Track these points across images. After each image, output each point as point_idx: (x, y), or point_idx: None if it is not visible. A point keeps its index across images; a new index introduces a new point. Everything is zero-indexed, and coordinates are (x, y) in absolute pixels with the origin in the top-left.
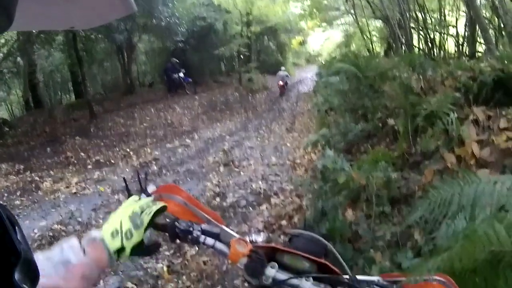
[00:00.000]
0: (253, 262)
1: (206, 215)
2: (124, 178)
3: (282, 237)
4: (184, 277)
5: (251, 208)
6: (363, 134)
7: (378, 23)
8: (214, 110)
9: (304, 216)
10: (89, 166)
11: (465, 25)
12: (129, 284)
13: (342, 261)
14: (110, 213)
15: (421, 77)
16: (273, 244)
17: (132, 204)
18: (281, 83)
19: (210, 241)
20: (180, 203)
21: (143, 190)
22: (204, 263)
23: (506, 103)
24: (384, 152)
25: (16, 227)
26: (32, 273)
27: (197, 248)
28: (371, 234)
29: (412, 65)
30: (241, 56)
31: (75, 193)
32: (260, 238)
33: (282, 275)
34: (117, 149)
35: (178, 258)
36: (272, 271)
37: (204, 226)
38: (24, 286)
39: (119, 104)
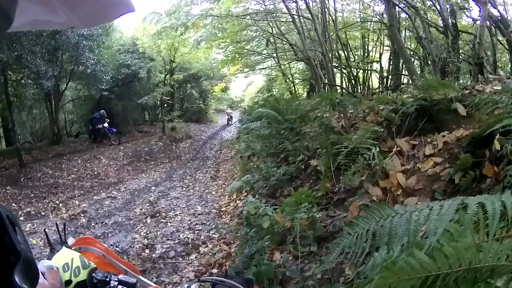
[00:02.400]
0: None
1: (123, 266)
2: (45, 230)
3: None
4: None
5: (180, 258)
6: (285, 178)
7: (301, 65)
8: (139, 161)
9: (234, 262)
10: (21, 218)
11: (389, 59)
12: None
13: None
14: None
15: (341, 115)
16: None
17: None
18: (227, 117)
19: None
20: (98, 255)
21: (63, 242)
22: None
23: (430, 130)
24: (307, 193)
25: (16, 228)
26: (32, 273)
27: None
28: (300, 275)
29: (332, 104)
30: (165, 105)
31: None
32: (194, 287)
33: None
34: (47, 200)
35: None
36: None
37: (121, 276)
38: (24, 286)
39: (47, 153)
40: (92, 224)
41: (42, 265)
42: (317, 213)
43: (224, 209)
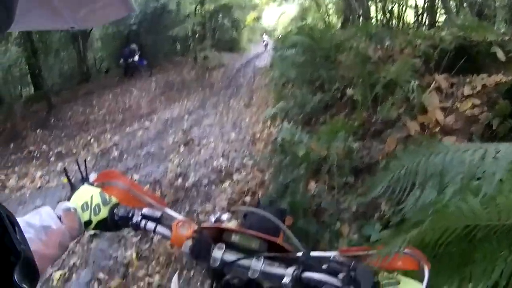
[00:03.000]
0: (197, 244)
1: (149, 199)
2: (64, 169)
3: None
4: (153, 262)
5: (213, 186)
6: (321, 106)
7: None
8: (171, 91)
9: (268, 190)
10: (52, 159)
11: None
12: (101, 275)
13: (295, 238)
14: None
15: (378, 46)
16: (219, 224)
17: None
18: (264, 43)
19: (151, 225)
20: (123, 189)
21: (84, 179)
22: (172, 246)
23: (469, 71)
24: (343, 122)
25: (16, 227)
26: (32, 272)
27: None
28: (335, 207)
29: (368, 35)
30: (196, 35)
31: (39, 187)
32: (225, 216)
33: (231, 256)
34: (78, 138)
35: (146, 244)
36: (219, 253)
37: (146, 210)
38: (24, 286)
39: (77, 93)
40: (124, 156)
41: (59, 208)
42: (354, 143)
43: (258, 136)
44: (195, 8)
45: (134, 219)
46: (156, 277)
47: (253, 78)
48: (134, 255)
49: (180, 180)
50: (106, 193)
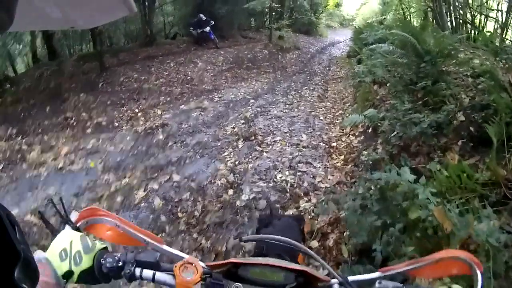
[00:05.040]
0: None
1: (142, 236)
2: (39, 212)
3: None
4: None
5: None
6: (430, 130)
7: None
8: (240, 68)
9: (344, 240)
10: (88, 130)
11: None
12: None
13: (325, 263)
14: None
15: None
16: (231, 259)
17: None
18: None
19: (148, 273)
20: (111, 226)
21: (65, 221)
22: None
23: None
24: (467, 170)
25: (16, 227)
26: (32, 273)
27: None
28: None
29: (492, 50)
30: (273, 13)
31: (60, 168)
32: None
33: None
34: (125, 108)
35: None
36: None
37: (139, 255)
38: (24, 286)
39: (136, 56)
40: (169, 144)
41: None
42: (491, 220)
43: (335, 144)
44: None
45: (127, 268)
46: None
47: (329, 67)
48: None
49: (230, 193)
50: (92, 233)
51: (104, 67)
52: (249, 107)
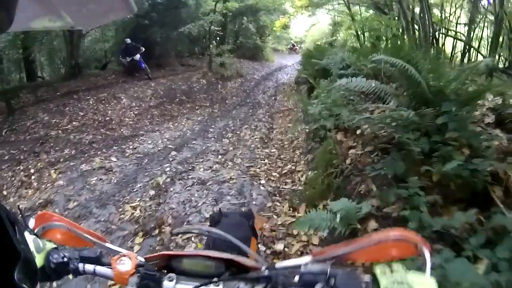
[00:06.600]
0: (144, 279)
1: (90, 237)
2: None
3: None
4: None
5: None
6: None
7: (369, 13)
8: (171, 102)
9: None
10: None
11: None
12: None
13: (252, 252)
14: None
15: None
16: (163, 252)
17: None
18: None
19: (89, 267)
20: (64, 230)
21: (24, 228)
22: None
23: None
24: None
25: (16, 227)
26: (32, 272)
27: None
28: None
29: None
30: (217, 38)
31: None
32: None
33: (184, 285)
34: (21, 167)
35: None
36: (170, 285)
37: (82, 252)
38: (24, 285)
39: (55, 91)
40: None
41: None
42: None
43: (280, 246)
44: (215, 4)
45: (71, 264)
46: None
47: (275, 97)
48: None
49: None
50: (49, 238)
51: (12, 108)
52: (167, 165)
